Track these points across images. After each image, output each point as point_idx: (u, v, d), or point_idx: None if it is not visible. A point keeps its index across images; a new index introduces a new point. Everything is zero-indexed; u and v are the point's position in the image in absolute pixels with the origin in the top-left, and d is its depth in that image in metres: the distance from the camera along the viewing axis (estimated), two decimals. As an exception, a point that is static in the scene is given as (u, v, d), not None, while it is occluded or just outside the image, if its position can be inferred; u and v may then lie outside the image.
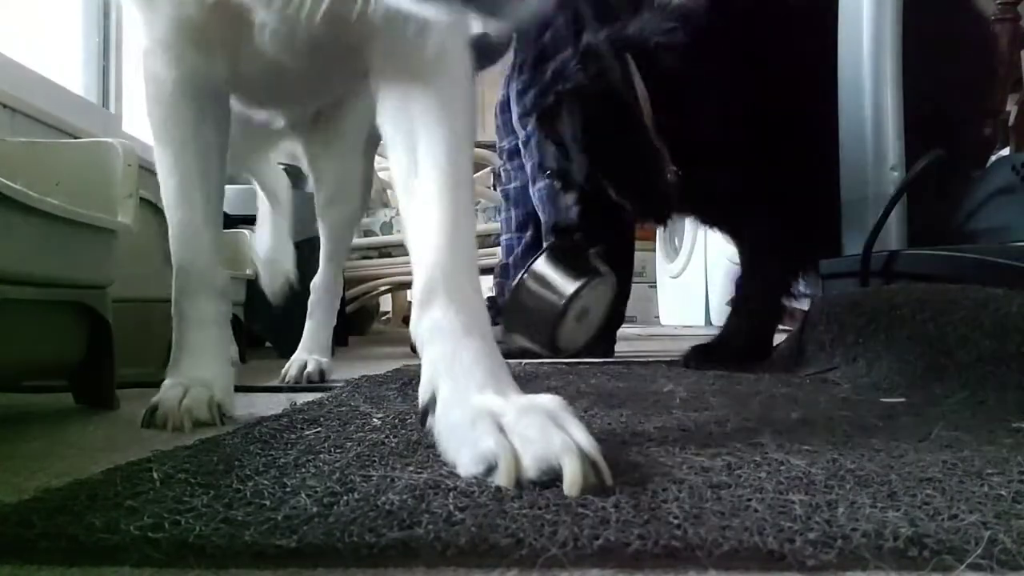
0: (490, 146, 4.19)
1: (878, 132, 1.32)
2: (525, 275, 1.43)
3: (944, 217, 1.29)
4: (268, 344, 2.11)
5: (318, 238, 2.01)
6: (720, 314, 3.53)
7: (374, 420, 0.73)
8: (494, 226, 2.74)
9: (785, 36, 1.36)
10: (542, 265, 1.42)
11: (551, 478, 0.45)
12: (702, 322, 3.91)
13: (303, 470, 0.51)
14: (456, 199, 0.63)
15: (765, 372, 1.20)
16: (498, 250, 2.70)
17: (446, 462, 0.52)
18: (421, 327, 0.60)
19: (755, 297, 1.43)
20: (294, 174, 2.19)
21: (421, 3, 0.47)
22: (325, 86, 1.00)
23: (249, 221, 1.91)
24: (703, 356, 1.38)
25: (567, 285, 1.38)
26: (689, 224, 4.04)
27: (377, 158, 3.37)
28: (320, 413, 0.78)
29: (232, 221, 1.92)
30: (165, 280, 1.35)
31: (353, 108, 1.16)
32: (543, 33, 1.85)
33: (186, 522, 0.39)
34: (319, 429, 0.68)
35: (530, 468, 0.45)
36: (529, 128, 1.78)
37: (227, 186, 2.09)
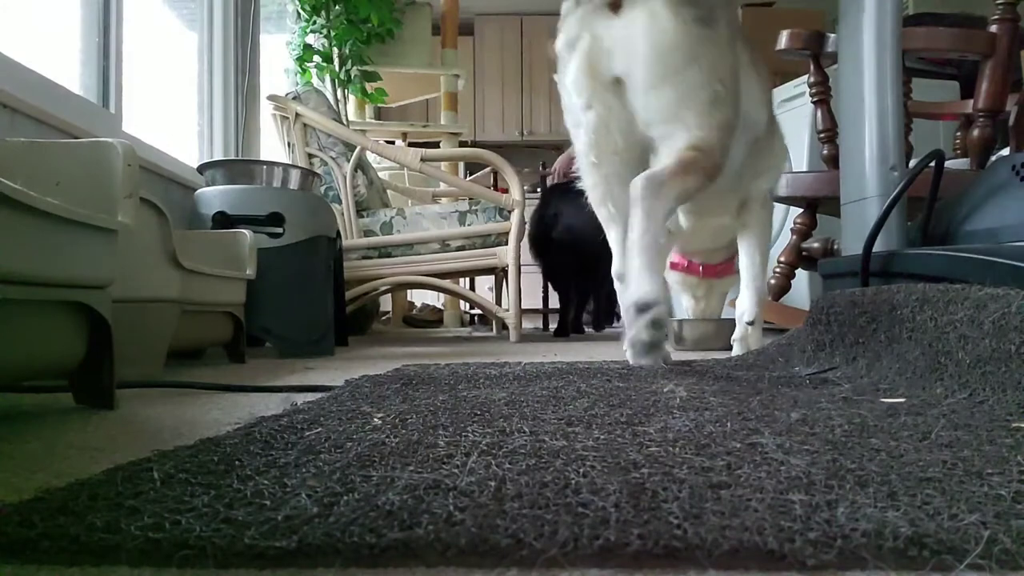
0: (491, 146, 4.19)
1: (878, 132, 1.32)
2: None
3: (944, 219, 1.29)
4: (268, 344, 2.11)
5: (320, 238, 2.02)
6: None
7: (374, 420, 0.74)
8: (494, 226, 2.74)
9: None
10: None
11: None
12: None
13: (303, 470, 0.51)
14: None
15: (765, 372, 1.20)
16: (498, 250, 2.71)
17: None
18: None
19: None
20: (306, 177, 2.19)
21: None
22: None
23: (249, 221, 1.92)
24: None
25: None
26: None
27: (375, 158, 3.38)
28: (320, 413, 0.78)
29: (232, 221, 1.93)
30: (165, 280, 1.36)
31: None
32: None
33: (186, 522, 0.39)
34: (319, 429, 0.68)
35: None
36: None
37: (230, 186, 2.10)
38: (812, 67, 2.12)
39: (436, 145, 4.31)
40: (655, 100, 1.12)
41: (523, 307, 2.75)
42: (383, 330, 4.17)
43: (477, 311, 4.68)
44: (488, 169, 4.26)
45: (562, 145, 4.31)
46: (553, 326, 3.48)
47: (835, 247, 2.09)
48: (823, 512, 0.40)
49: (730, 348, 1.84)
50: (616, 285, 1.33)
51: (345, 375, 1.27)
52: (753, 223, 1.48)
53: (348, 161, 2.72)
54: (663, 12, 1.09)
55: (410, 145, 3.79)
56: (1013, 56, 1.79)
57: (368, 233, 2.74)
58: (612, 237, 1.31)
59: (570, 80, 1.17)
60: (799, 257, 2.27)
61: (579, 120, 1.21)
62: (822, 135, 2.12)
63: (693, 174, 1.12)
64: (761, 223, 1.49)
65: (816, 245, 2.20)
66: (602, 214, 1.31)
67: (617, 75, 1.13)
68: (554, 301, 4.00)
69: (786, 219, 3.01)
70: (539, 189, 3.97)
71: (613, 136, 1.17)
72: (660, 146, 1.14)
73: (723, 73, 1.16)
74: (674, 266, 1.80)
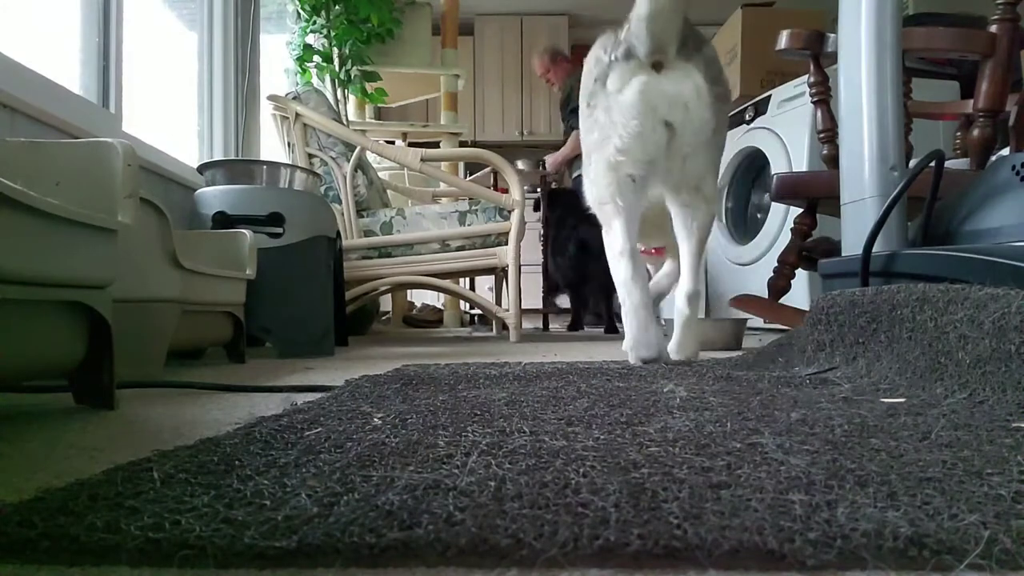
0: (491, 146, 4.19)
1: (878, 132, 1.32)
2: None
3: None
4: (268, 344, 2.11)
5: (320, 238, 2.02)
6: (721, 312, 3.53)
7: (374, 420, 0.74)
8: (494, 226, 2.74)
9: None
10: None
11: None
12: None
13: (303, 470, 0.51)
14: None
15: (765, 372, 1.20)
16: (498, 250, 2.71)
17: None
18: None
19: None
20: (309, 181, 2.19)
21: None
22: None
23: (249, 221, 1.92)
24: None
25: None
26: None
27: (375, 158, 3.38)
28: (320, 413, 0.78)
29: (232, 221, 1.93)
30: (165, 280, 1.36)
31: None
32: None
33: (186, 522, 0.39)
34: (319, 429, 0.68)
35: None
36: None
37: (230, 186, 2.10)
38: (812, 67, 2.12)
39: (436, 145, 4.31)
40: (700, 158, 1.45)
41: (523, 307, 2.76)
42: (383, 330, 4.17)
43: (477, 311, 4.69)
44: (488, 169, 4.26)
45: (561, 145, 4.31)
46: (555, 326, 3.59)
47: (835, 247, 2.09)
48: (823, 512, 0.40)
49: (730, 348, 1.86)
50: (620, 261, 1.46)
51: (345, 375, 1.27)
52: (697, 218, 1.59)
53: (348, 161, 2.72)
54: (704, 89, 1.38)
55: (410, 145, 3.79)
56: (1013, 56, 1.79)
57: (368, 233, 2.74)
58: (616, 225, 1.47)
59: (628, 100, 1.39)
60: (799, 257, 2.27)
61: (614, 127, 1.42)
62: (822, 135, 2.12)
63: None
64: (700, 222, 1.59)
65: (816, 245, 2.20)
66: (608, 208, 1.48)
67: (668, 121, 1.39)
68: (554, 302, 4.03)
69: (786, 219, 3.01)
70: (538, 189, 3.97)
71: (647, 149, 1.41)
72: (695, 193, 1.51)
73: (723, 139, 1.59)
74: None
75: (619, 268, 1.45)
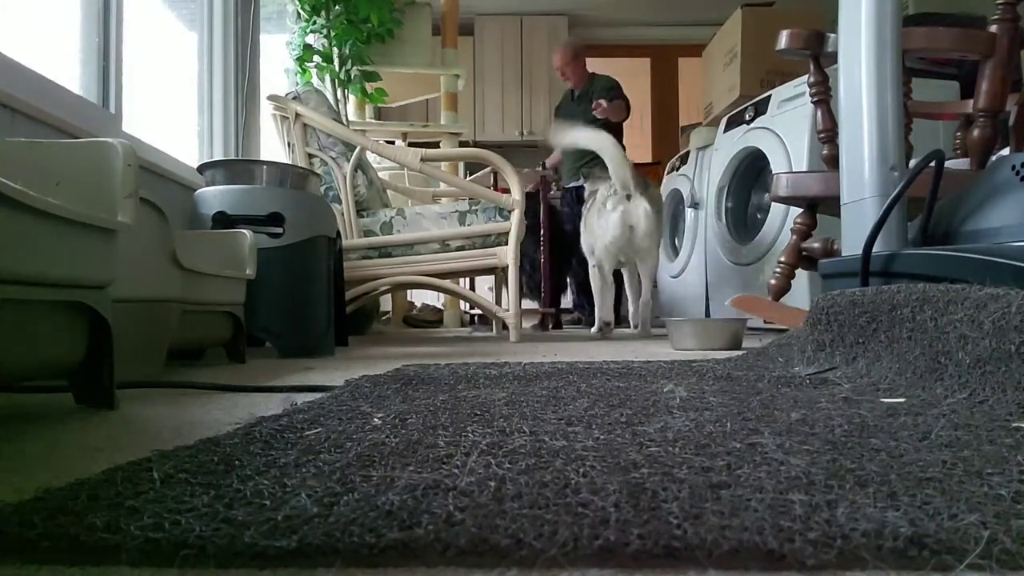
0: (491, 146, 4.19)
1: (878, 132, 1.32)
2: None
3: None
4: (268, 344, 2.11)
5: (320, 238, 2.02)
6: (720, 313, 3.53)
7: (374, 420, 0.74)
8: (494, 226, 2.74)
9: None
10: None
11: None
12: (702, 322, 3.91)
13: (303, 470, 0.51)
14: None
15: (765, 372, 1.20)
16: (498, 250, 2.71)
17: None
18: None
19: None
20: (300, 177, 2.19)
21: None
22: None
23: (249, 221, 1.92)
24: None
25: None
26: (689, 225, 4.05)
27: (375, 158, 3.38)
28: (320, 413, 0.78)
29: (232, 221, 1.93)
30: (165, 280, 1.36)
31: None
32: None
33: (186, 522, 0.39)
34: (319, 429, 0.68)
35: None
36: None
37: (230, 186, 2.10)
38: (812, 67, 2.12)
39: (436, 145, 4.31)
40: (646, 242, 2.84)
41: (523, 307, 2.75)
42: (383, 330, 4.17)
43: (477, 311, 4.69)
44: (488, 169, 4.26)
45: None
46: (571, 326, 3.59)
47: (835, 247, 2.09)
48: (823, 512, 0.40)
49: (730, 348, 1.87)
50: (600, 317, 3.01)
51: (345, 375, 1.27)
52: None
53: (348, 161, 2.72)
54: (649, 209, 2.78)
55: (410, 145, 3.79)
56: (1013, 56, 1.79)
57: (368, 233, 2.74)
58: (605, 299, 3.00)
59: (613, 222, 2.82)
60: (799, 257, 2.27)
61: (606, 234, 2.85)
62: (822, 135, 2.12)
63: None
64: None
65: (816, 245, 2.20)
66: (597, 275, 2.99)
67: (631, 226, 2.81)
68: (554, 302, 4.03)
69: (786, 219, 3.01)
70: (539, 189, 3.97)
71: (620, 246, 2.85)
72: (645, 259, 2.92)
73: (660, 233, 2.98)
74: None
75: (599, 305, 3.03)
